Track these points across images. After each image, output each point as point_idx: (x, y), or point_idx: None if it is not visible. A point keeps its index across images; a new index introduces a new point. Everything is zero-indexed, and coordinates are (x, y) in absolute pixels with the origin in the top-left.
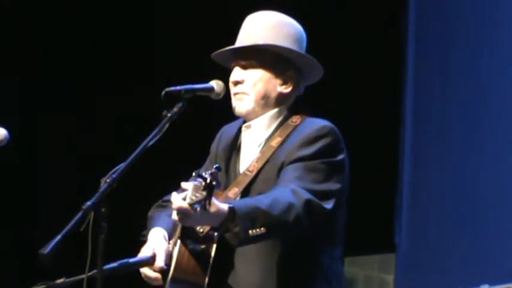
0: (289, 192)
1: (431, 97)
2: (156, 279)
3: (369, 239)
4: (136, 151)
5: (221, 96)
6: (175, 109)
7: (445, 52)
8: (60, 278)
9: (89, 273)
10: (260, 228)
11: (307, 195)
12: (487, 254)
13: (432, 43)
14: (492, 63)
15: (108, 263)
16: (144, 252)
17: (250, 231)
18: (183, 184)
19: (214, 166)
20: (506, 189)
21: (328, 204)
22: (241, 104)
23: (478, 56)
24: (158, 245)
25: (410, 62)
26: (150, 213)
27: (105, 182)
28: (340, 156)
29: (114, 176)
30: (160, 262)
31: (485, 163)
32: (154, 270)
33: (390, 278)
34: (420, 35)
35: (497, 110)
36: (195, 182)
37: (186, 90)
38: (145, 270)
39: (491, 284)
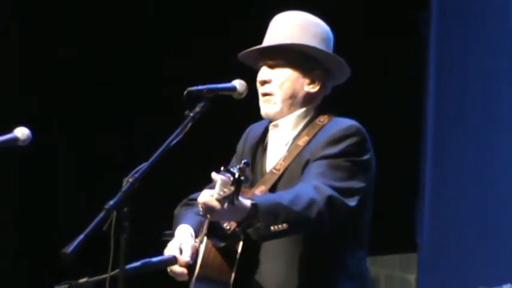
0: (312, 188)
1: (452, 97)
2: (182, 274)
3: (390, 239)
4: (159, 150)
5: (243, 96)
6: (197, 109)
7: (466, 52)
8: (83, 277)
9: (112, 273)
10: (282, 224)
11: (329, 191)
12: (509, 253)
13: (453, 44)
14: None
15: (131, 262)
16: (171, 248)
17: (272, 227)
18: (214, 175)
19: (243, 161)
20: None
21: (351, 202)
22: (268, 106)
23: (499, 56)
24: (185, 240)
25: (432, 63)
26: (176, 211)
27: (127, 181)
28: (366, 156)
29: (136, 175)
30: (186, 257)
31: (506, 162)
32: (180, 265)
33: (412, 277)
34: (442, 36)
35: None
36: (223, 177)
37: (208, 90)
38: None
39: None
